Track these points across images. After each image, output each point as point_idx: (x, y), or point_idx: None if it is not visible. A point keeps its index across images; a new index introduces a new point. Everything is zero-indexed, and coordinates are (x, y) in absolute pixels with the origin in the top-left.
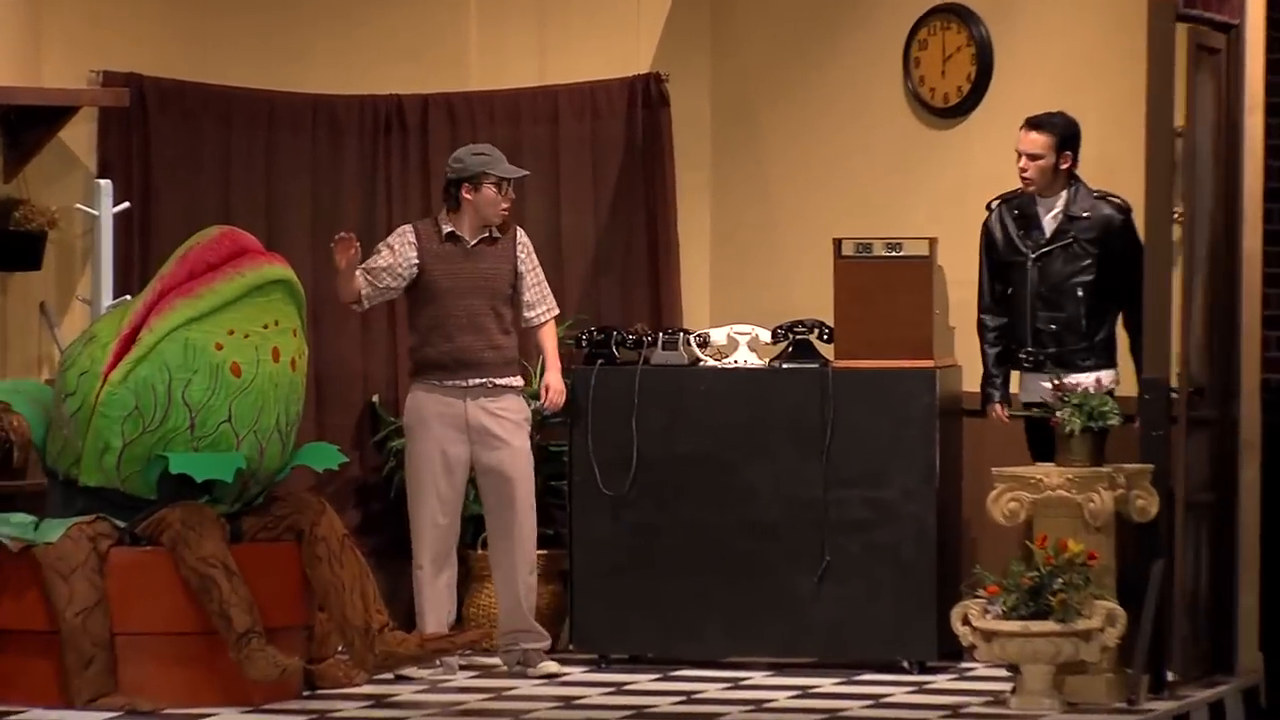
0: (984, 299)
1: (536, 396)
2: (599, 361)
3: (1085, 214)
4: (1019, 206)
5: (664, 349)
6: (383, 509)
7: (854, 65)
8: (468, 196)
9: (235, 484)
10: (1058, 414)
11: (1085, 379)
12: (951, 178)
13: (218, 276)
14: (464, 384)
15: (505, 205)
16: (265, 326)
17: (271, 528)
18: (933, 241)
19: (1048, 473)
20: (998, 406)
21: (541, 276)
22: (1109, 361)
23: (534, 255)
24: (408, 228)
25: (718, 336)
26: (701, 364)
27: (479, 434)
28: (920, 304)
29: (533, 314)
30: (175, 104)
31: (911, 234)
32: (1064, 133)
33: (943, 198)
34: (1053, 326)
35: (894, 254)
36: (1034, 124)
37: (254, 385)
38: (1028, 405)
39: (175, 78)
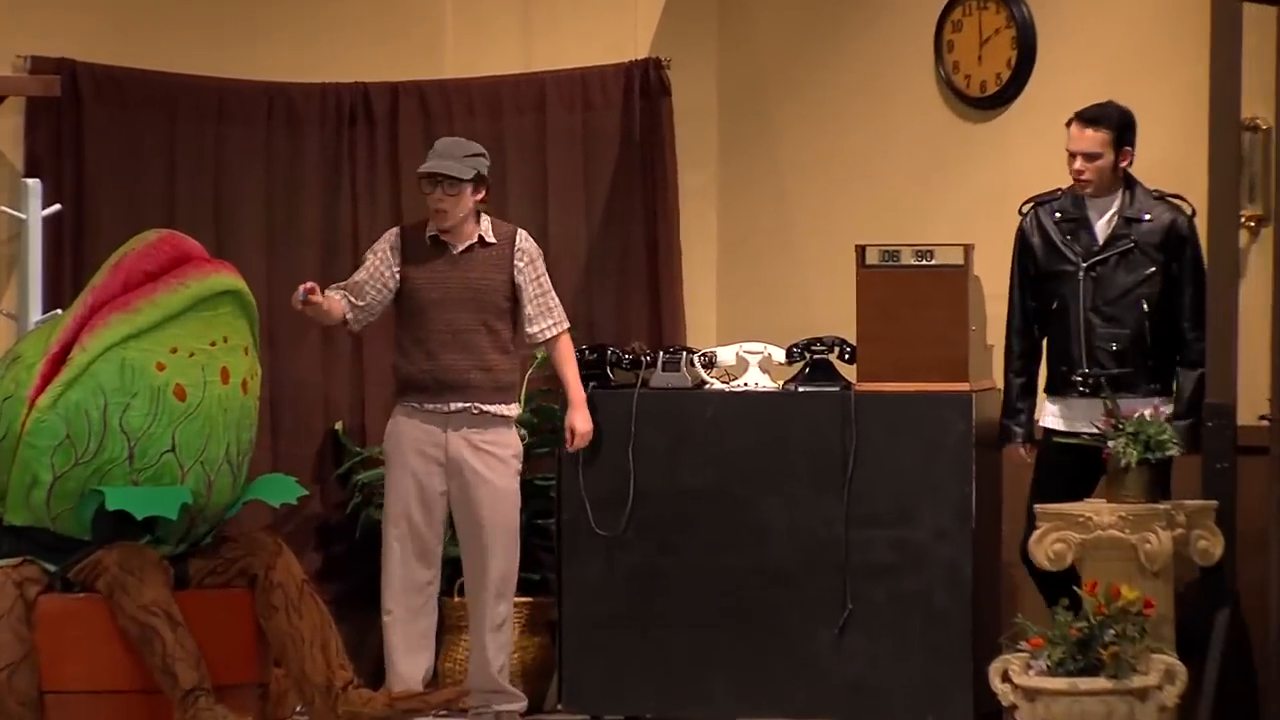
0: (1014, 318)
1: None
2: (591, 384)
3: (1146, 216)
4: (1062, 209)
5: (665, 370)
6: (347, 551)
7: (879, 50)
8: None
9: (180, 522)
10: (1110, 444)
11: (1142, 405)
12: (989, 177)
13: (158, 288)
14: (445, 409)
15: (440, 208)
16: (213, 344)
17: (221, 572)
18: (968, 249)
19: (1098, 510)
20: (1021, 448)
21: (547, 287)
22: (1167, 387)
23: (538, 263)
24: (394, 231)
25: (725, 356)
26: (707, 387)
27: (458, 467)
28: (954, 319)
29: (534, 329)
30: (112, 93)
31: (944, 240)
32: (1121, 125)
33: (979, 199)
34: (1114, 345)
35: (924, 263)
36: (1088, 119)
37: (201, 410)
38: (1063, 435)
39: (112, 64)
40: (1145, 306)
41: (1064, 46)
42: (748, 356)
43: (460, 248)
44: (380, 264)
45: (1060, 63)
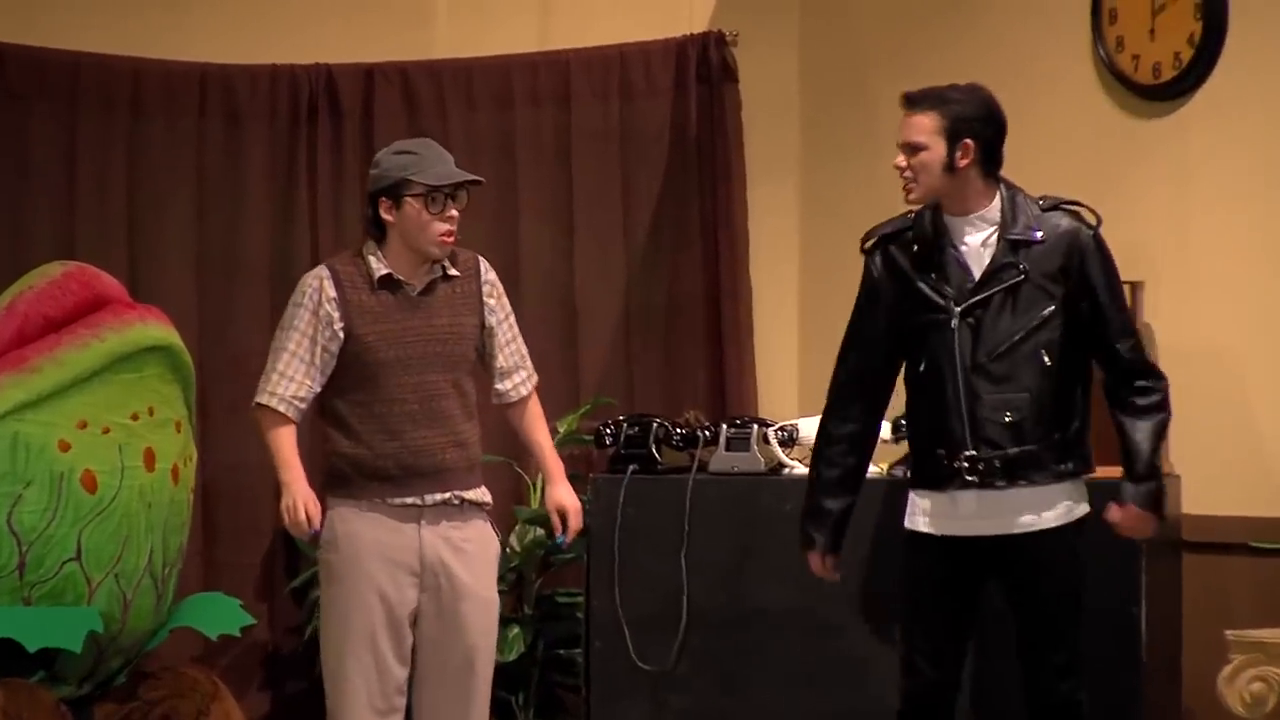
0: (836, 390)
1: (536, 522)
2: (631, 468)
3: (1037, 234)
4: (920, 239)
5: (730, 449)
6: (304, 691)
7: (1018, 22)
8: (388, 217)
9: (86, 654)
10: None
11: (1060, 497)
12: (1164, 189)
13: (63, 341)
14: (419, 502)
15: (446, 229)
16: (134, 417)
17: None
18: (1136, 287)
19: None
20: (820, 556)
21: (516, 328)
22: (1085, 464)
23: (505, 296)
24: (323, 274)
25: (809, 431)
26: (786, 472)
27: (435, 575)
28: None
29: (506, 385)
30: None
31: None
32: (960, 109)
33: (1150, 221)
34: (1007, 415)
35: None
36: (911, 98)
37: (116, 505)
38: (938, 539)
39: None
40: (1045, 358)
41: (1265, 15)
42: None
43: (420, 287)
44: (324, 327)
45: (1260, 38)
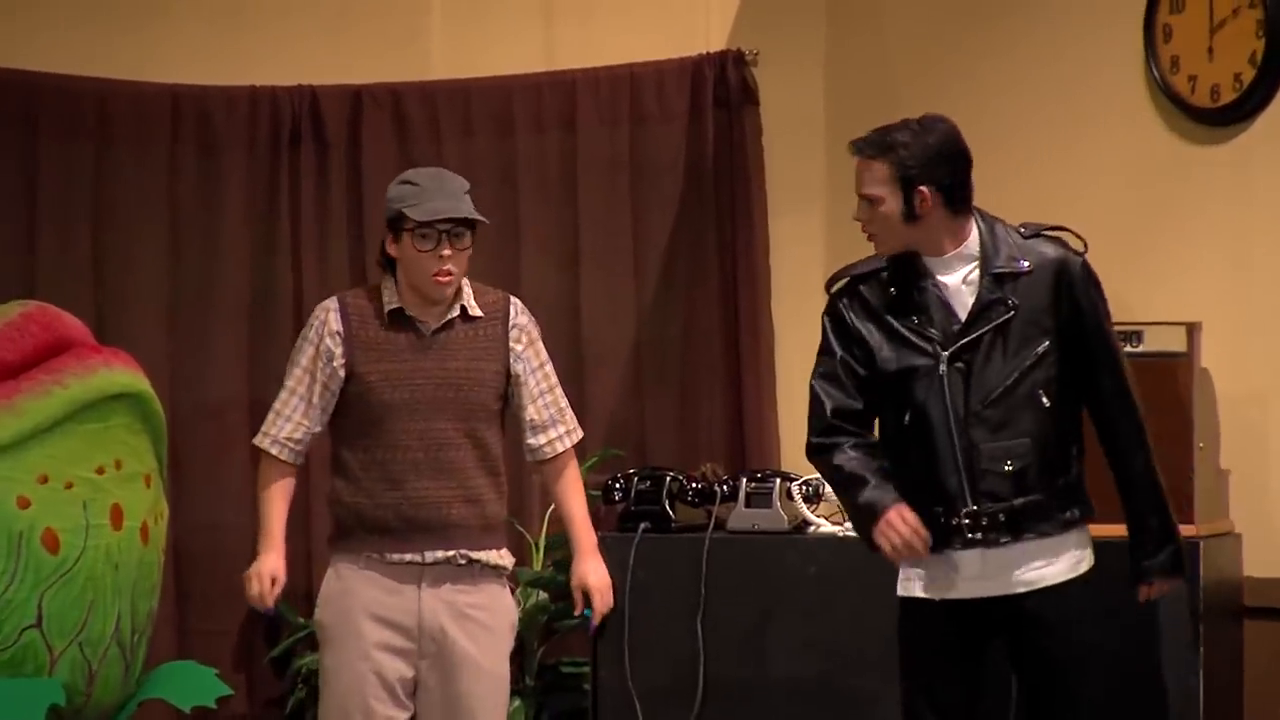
0: (822, 418)
1: (538, 585)
2: (642, 526)
3: (1023, 264)
4: (895, 279)
5: (750, 505)
6: None
7: (1063, 42)
8: (392, 252)
9: None
10: None
11: (1067, 549)
12: (1223, 222)
13: (22, 388)
14: (419, 560)
15: (445, 269)
16: (100, 470)
17: None
18: (1193, 328)
19: None
20: (898, 511)
21: (553, 379)
22: (1089, 509)
23: (540, 345)
24: (331, 306)
25: None
26: (811, 530)
27: (434, 643)
28: (1174, 431)
29: (540, 440)
30: None
31: (1158, 317)
32: (909, 154)
33: (1208, 256)
34: (1008, 464)
35: (1130, 348)
36: (859, 145)
37: (80, 567)
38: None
39: None
40: (1044, 399)
41: None
42: None
43: (435, 326)
44: (324, 363)
45: None
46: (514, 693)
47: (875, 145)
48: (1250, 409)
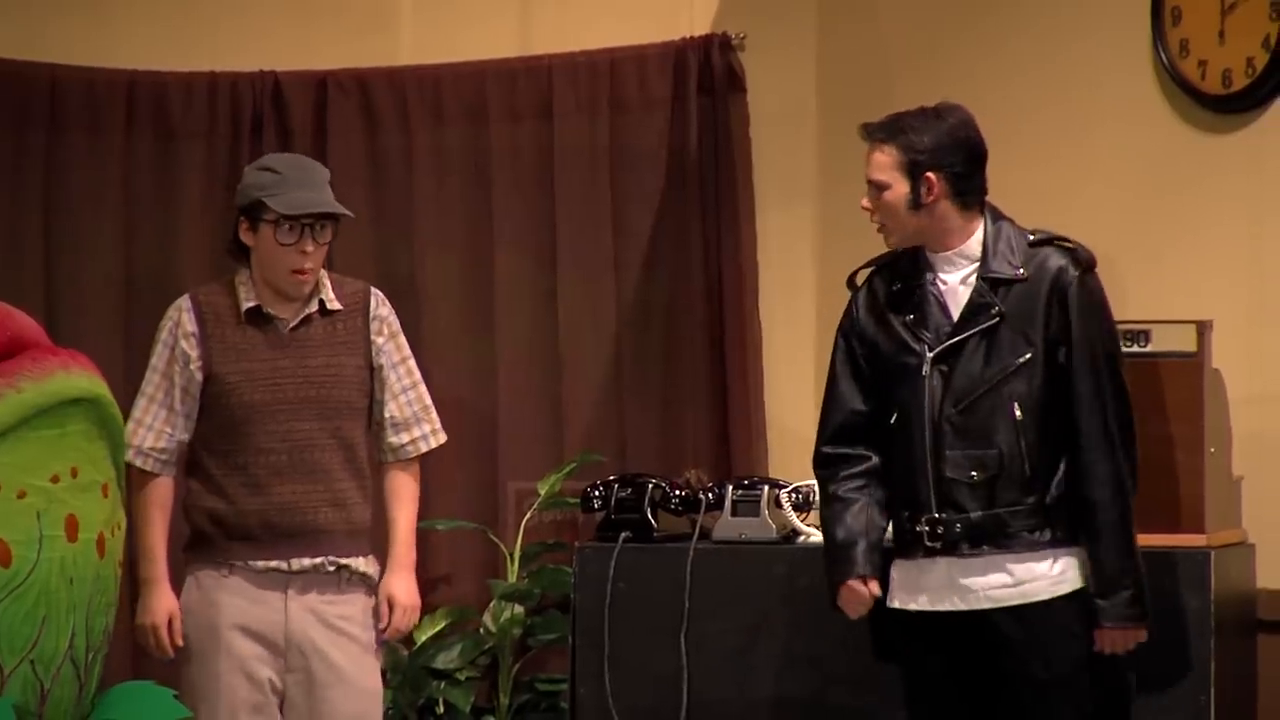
0: (832, 423)
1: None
2: (623, 536)
3: (1019, 271)
4: (899, 274)
5: (736, 514)
6: None
7: (1066, 26)
8: (247, 241)
9: None
10: None
11: (1040, 568)
12: (1236, 214)
13: None
14: (284, 567)
15: (299, 265)
16: (55, 479)
17: None
18: (1203, 327)
19: None
20: (859, 583)
21: (417, 374)
22: (1069, 535)
23: (401, 335)
24: (181, 303)
25: None
26: (801, 540)
27: (302, 656)
28: (1184, 435)
29: (404, 439)
30: None
31: (1166, 315)
32: (920, 139)
33: (1220, 249)
34: (973, 474)
35: (1137, 349)
36: (870, 130)
37: (33, 581)
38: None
39: None
40: (1017, 411)
41: None
42: None
43: (293, 322)
44: (181, 366)
45: None
46: (488, 712)
47: (885, 129)
48: (1265, 410)
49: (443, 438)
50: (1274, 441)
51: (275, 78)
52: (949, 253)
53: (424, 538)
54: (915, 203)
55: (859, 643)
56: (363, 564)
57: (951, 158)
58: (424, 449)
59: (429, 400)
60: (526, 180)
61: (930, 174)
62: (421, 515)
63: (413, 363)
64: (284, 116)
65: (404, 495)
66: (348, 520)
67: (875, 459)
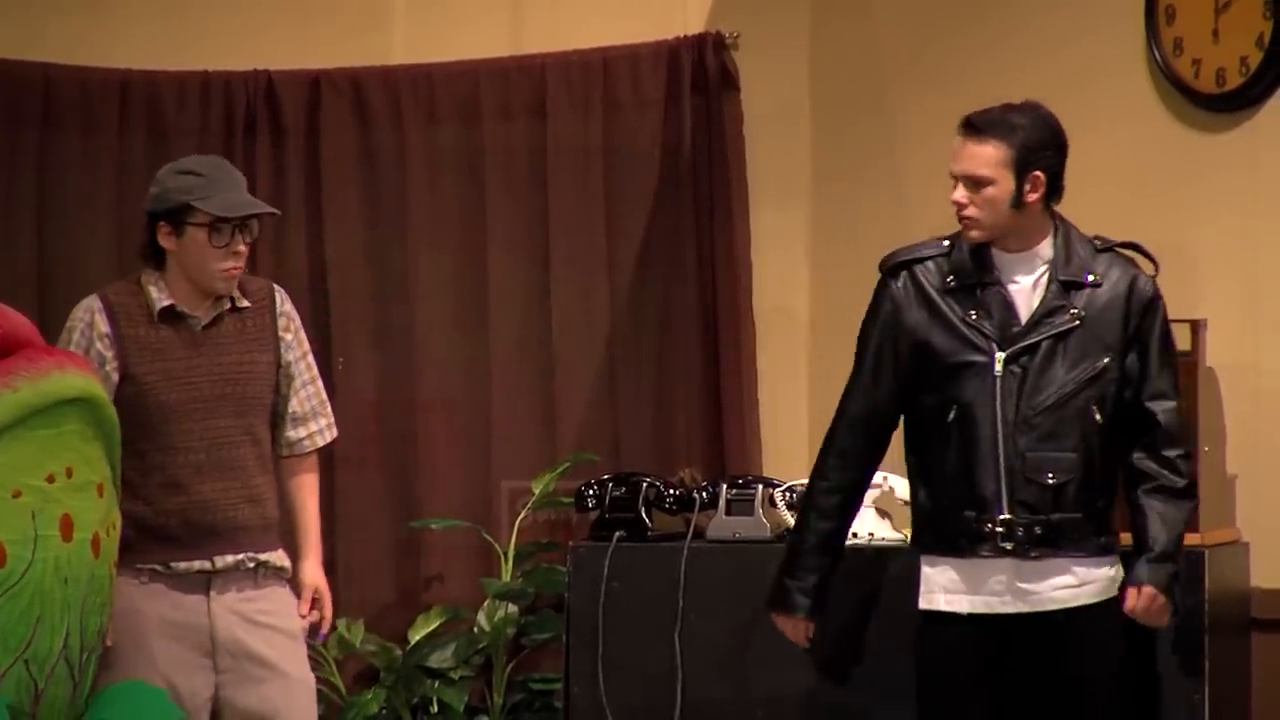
0: (841, 428)
1: (508, 596)
2: (617, 535)
3: (1090, 277)
4: (957, 269)
5: (730, 513)
6: None
7: (1061, 25)
8: (168, 245)
9: None
10: None
11: (1099, 571)
12: (1229, 213)
13: None
14: (208, 566)
15: (231, 265)
16: (50, 479)
17: None
18: (1198, 325)
19: None
20: (800, 621)
21: (315, 369)
22: (1117, 539)
23: (302, 331)
24: (91, 304)
25: None
26: None
27: (231, 656)
28: None
29: (303, 434)
30: None
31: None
32: (1029, 138)
33: (1214, 247)
34: (1050, 477)
35: None
36: (975, 125)
37: (28, 580)
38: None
39: None
40: (1097, 416)
41: None
42: None
43: (206, 320)
44: (96, 368)
45: None
46: (480, 711)
47: (995, 125)
48: (1258, 409)
49: (335, 433)
50: (1268, 440)
51: (268, 77)
52: (1025, 253)
53: (418, 537)
54: (1018, 200)
55: (855, 643)
56: (278, 558)
57: (1055, 157)
58: (320, 444)
59: (325, 395)
60: (520, 179)
61: (1038, 172)
62: (415, 514)
63: (311, 358)
64: (277, 116)
65: (308, 487)
66: (263, 516)
67: (862, 475)
